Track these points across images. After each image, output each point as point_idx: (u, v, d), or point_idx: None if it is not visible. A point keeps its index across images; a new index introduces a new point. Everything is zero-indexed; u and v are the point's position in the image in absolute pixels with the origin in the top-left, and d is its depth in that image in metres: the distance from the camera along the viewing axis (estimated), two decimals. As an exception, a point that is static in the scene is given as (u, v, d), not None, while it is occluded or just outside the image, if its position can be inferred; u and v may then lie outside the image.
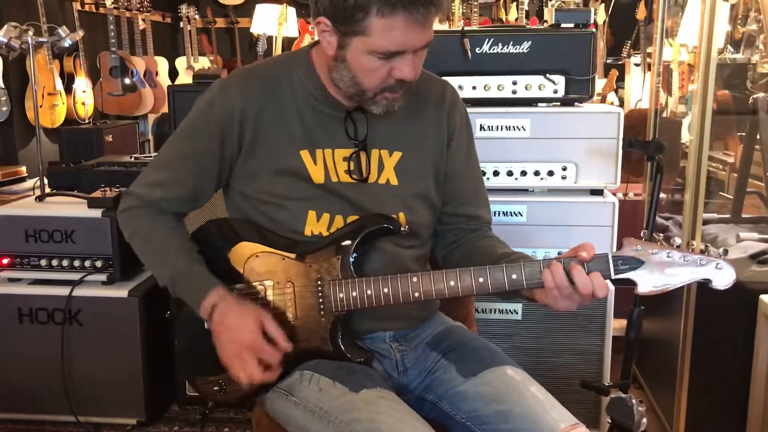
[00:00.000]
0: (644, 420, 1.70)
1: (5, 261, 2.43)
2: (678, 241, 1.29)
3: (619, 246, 1.30)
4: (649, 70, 5.16)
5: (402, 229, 1.42)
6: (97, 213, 2.38)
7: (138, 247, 1.48)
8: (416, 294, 1.35)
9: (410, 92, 1.41)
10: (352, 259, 1.39)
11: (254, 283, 1.43)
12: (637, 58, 5.65)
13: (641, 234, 1.34)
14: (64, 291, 2.39)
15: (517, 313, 2.30)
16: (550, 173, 2.24)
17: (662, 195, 2.98)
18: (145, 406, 2.45)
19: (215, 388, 1.45)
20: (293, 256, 1.42)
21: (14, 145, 5.04)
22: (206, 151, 1.44)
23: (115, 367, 2.42)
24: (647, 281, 1.27)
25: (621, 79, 5.63)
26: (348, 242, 1.40)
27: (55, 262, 2.41)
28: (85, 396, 2.44)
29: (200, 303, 1.37)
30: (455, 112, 1.55)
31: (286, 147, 1.43)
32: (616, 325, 2.31)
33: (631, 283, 1.29)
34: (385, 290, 1.36)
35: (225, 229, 1.51)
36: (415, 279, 1.35)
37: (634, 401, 1.70)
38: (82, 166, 2.87)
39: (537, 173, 2.24)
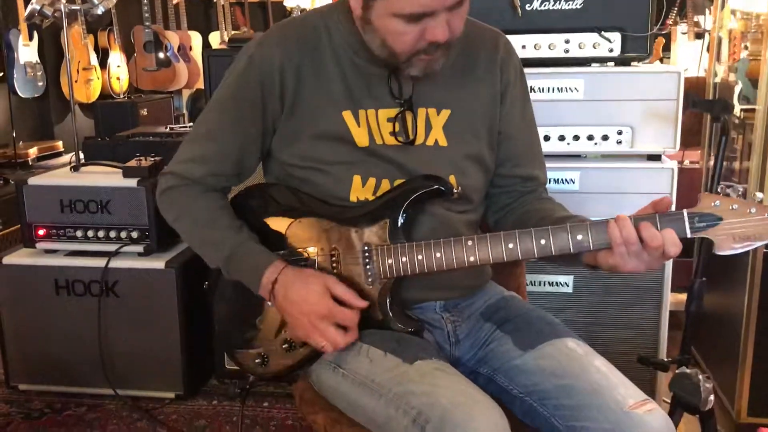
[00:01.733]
0: (711, 397, 1.59)
1: (41, 232, 2.39)
2: (760, 195, 1.17)
3: (695, 203, 1.18)
4: (696, 38, 4.96)
5: (454, 191, 1.32)
6: (132, 182, 2.32)
7: (184, 231, 1.40)
8: (471, 258, 1.26)
9: (451, 51, 1.31)
10: (401, 222, 1.30)
11: (297, 251, 1.34)
12: (683, 27, 5.44)
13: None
14: (100, 262, 2.35)
15: (568, 286, 2.20)
16: (605, 138, 2.12)
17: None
18: (183, 380, 2.40)
19: (256, 361, 1.38)
20: (338, 221, 1.33)
21: (50, 120, 5.06)
22: (248, 116, 1.35)
23: (153, 339, 2.37)
24: (726, 240, 1.15)
25: (667, 48, 5.44)
26: (397, 205, 1.30)
27: (90, 233, 2.37)
28: (122, 369, 2.41)
29: (259, 282, 1.29)
30: (509, 65, 1.43)
31: (328, 108, 1.33)
32: (671, 300, 2.19)
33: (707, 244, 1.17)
34: (437, 255, 1.27)
35: (265, 195, 1.42)
36: (470, 242, 1.25)
37: (700, 377, 1.58)
38: (117, 137, 2.83)
39: (590, 138, 2.11)
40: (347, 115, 1.33)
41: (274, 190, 1.41)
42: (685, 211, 1.17)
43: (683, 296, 2.55)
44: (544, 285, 2.20)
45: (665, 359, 1.96)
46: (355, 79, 1.34)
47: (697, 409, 1.61)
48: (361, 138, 1.33)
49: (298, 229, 1.35)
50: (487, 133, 1.41)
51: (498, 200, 1.47)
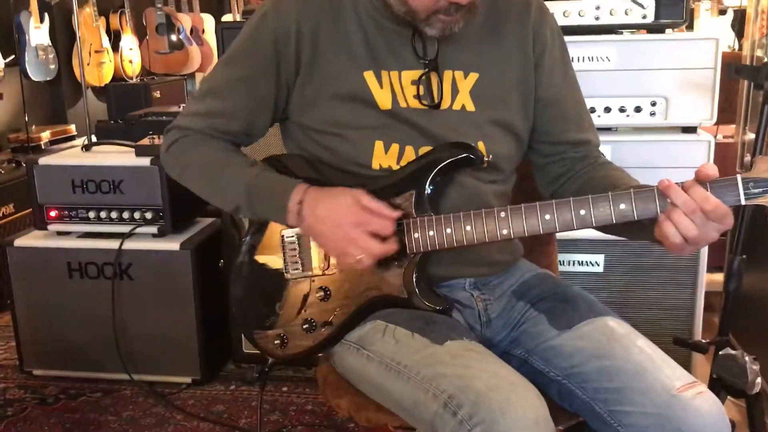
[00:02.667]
0: (758, 380, 1.50)
1: (53, 213, 2.33)
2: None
3: (749, 167, 1.09)
4: (720, 14, 4.86)
5: (485, 159, 1.23)
6: (145, 161, 2.25)
7: (194, 180, 1.30)
8: (504, 231, 1.17)
9: (474, 15, 1.22)
10: (428, 194, 1.22)
11: (317, 225, 1.26)
12: (706, 3, 5.31)
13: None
14: (113, 244, 2.29)
15: (598, 265, 2.10)
16: (637, 109, 2.02)
17: (751, 136, 2.72)
18: (200, 364, 2.34)
19: (275, 342, 1.30)
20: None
21: (63, 104, 5.00)
22: (260, 74, 1.27)
23: (169, 323, 2.31)
24: (784, 207, 1.06)
25: (690, 25, 5.31)
26: (423, 175, 1.22)
27: (103, 215, 2.30)
28: (138, 353, 2.35)
29: (286, 208, 1.20)
30: (544, 27, 1.34)
31: (348, 68, 1.25)
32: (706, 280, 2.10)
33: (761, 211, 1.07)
34: (468, 228, 1.18)
35: (283, 167, 1.34)
36: (503, 214, 1.17)
37: (747, 358, 1.49)
38: (130, 116, 2.76)
39: (622, 110, 2.02)
40: (369, 76, 1.25)
41: (292, 161, 1.33)
42: (738, 176, 1.08)
43: (716, 276, 2.47)
44: (574, 264, 2.11)
45: (704, 341, 1.86)
46: (378, 38, 1.26)
47: (743, 393, 1.52)
48: (383, 100, 1.25)
49: (317, 203, 1.27)
50: (519, 99, 1.32)
51: (550, 171, 1.38)
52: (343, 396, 1.31)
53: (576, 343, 1.20)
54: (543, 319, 1.27)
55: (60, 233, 2.37)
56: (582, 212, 1.13)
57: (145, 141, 2.31)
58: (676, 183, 1.09)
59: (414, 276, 1.22)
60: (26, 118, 4.37)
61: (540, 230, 1.15)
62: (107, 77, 5.08)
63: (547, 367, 1.23)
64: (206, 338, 2.34)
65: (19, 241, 2.36)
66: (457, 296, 1.30)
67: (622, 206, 1.11)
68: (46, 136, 4.38)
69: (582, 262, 2.11)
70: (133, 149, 2.30)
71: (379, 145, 1.25)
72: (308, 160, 1.30)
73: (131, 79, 5.26)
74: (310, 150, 1.31)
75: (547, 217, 1.15)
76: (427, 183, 1.21)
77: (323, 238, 1.20)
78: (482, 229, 1.17)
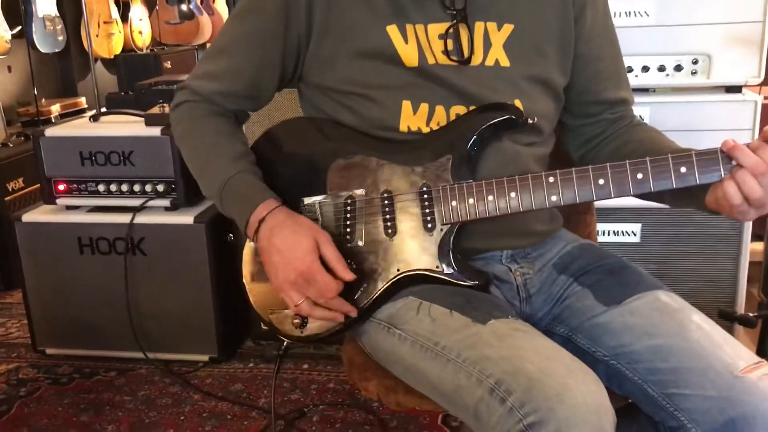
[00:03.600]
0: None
1: (61, 187, 2.24)
2: None
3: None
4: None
5: (530, 121, 1.12)
6: (155, 131, 2.15)
7: (186, 153, 1.24)
8: (553, 198, 1.06)
9: None
10: (467, 158, 1.11)
11: (341, 194, 1.16)
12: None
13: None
14: (125, 219, 2.20)
15: (635, 235, 1.99)
16: (678, 68, 1.89)
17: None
18: (217, 342, 2.26)
19: (294, 322, 1.20)
20: (390, 158, 1.14)
21: (72, 76, 4.90)
22: (267, 32, 1.17)
23: (184, 299, 2.23)
24: None
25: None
26: (463, 137, 1.11)
27: (113, 188, 2.21)
28: (152, 331, 2.27)
29: (247, 220, 1.12)
30: None
31: (369, 22, 1.14)
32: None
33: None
34: (512, 195, 1.07)
35: (302, 130, 1.24)
36: (551, 179, 1.06)
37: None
38: (139, 85, 2.65)
39: (662, 69, 1.89)
40: (392, 30, 1.13)
41: (312, 124, 1.23)
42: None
43: (755, 245, 2.35)
44: (608, 234, 2.00)
45: (750, 314, 1.75)
46: None
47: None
48: (409, 56, 1.13)
49: (341, 170, 1.16)
50: (557, 53, 1.21)
51: (583, 132, 1.27)
52: (371, 378, 1.22)
53: (625, 320, 1.10)
54: (588, 294, 1.16)
55: (69, 207, 2.28)
56: (639, 176, 1.02)
57: (155, 110, 2.21)
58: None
59: (449, 249, 1.12)
60: (35, 91, 4.29)
61: (593, 197, 1.05)
62: (117, 48, 4.98)
63: (593, 346, 1.13)
64: (223, 314, 2.26)
65: (28, 216, 2.27)
66: (493, 270, 1.19)
67: (683, 169, 1.01)
68: (56, 109, 4.30)
69: (617, 232, 2.00)
70: (143, 119, 2.19)
71: (406, 105, 1.14)
72: (333, 124, 1.20)
73: (141, 50, 5.15)
74: (330, 113, 1.20)
75: (601, 182, 1.04)
76: (468, 146, 1.10)
77: (270, 266, 1.11)
78: (528, 196, 1.07)
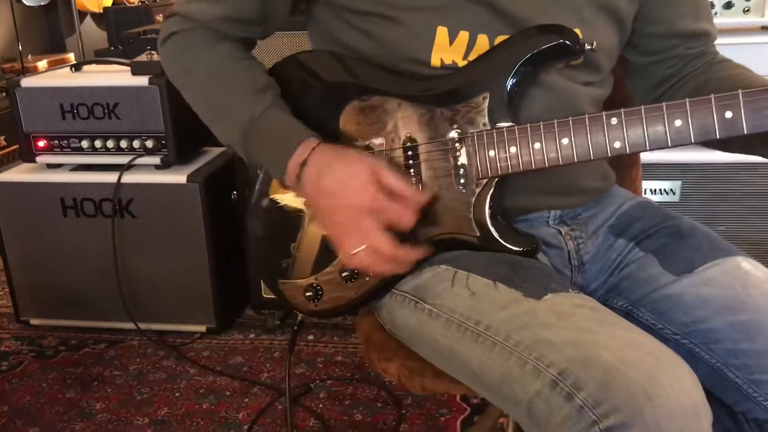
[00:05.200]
0: None
1: (41, 143, 2.04)
2: None
3: None
4: None
5: (586, 46, 0.91)
6: (143, 81, 1.95)
7: (190, 94, 1.01)
8: (616, 145, 0.87)
9: None
10: (508, 96, 0.91)
11: (355, 145, 0.96)
12: None
13: None
14: (111, 178, 2.01)
15: (674, 194, 1.81)
16: (728, 5, 1.67)
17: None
18: (214, 311, 2.10)
19: (307, 294, 1.02)
20: (415, 98, 0.94)
21: (60, 31, 4.68)
22: None
23: (178, 265, 2.06)
24: None
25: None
26: (502, 70, 0.91)
27: (98, 143, 2.02)
28: (144, 300, 2.10)
29: (284, 164, 0.91)
30: None
31: None
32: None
33: None
34: (565, 141, 0.88)
35: (310, 67, 1.03)
36: (614, 120, 0.86)
37: None
38: (127, 34, 2.44)
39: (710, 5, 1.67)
40: None
41: (322, 60, 1.02)
42: None
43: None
44: (643, 192, 1.81)
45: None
46: None
47: None
48: None
49: (357, 113, 0.96)
50: None
51: (653, 73, 1.07)
52: (393, 359, 1.05)
53: (700, 291, 0.92)
54: (653, 261, 0.98)
55: (50, 166, 2.09)
56: (728, 115, 0.82)
57: (143, 57, 1.99)
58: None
59: (488, 208, 0.93)
60: (20, 47, 4.08)
61: (668, 142, 0.85)
62: (107, 1, 4.74)
63: (659, 322, 0.95)
64: (221, 281, 2.09)
65: (5, 176, 2.08)
66: (539, 233, 1.00)
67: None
68: (42, 65, 4.09)
69: (654, 190, 1.81)
70: (129, 67, 1.98)
71: (442, 32, 0.93)
72: (348, 60, 0.99)
73: (132, 2, 4.90)
74: (345, 40, 0.99)
75: (678, 123, 0.84)
76: (509, 81, 0.90)
77: (322, 216, 0.92)
78: (586, 142, 0.87)
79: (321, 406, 1.78)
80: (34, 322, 2.20)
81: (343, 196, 0.88)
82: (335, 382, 1.88)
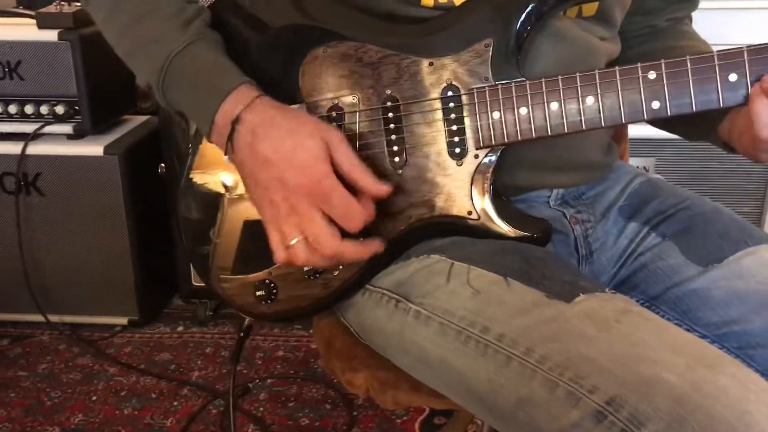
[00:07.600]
0: None
1: (-72, 107, 1.75)
2: None
3: None
4: None
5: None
6: (51, 35, 1.70)
7: (114, 30, 0.79)
8: (654, 105, 0.70)
9: None
10: (515, 43, 0.73)
11: (321, 103, 0.77)
12: None
13: None
14: (14, 149, 1.76)
15: (647, 172, 1.68)
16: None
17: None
18: (137, 301, 1.89)
19: (258, 293, 0.81)
20: (397, 46, 0.75)
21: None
22: None
23: (94, 249, 1.83)
24: None
25: None
26: (507, 12, 0.73)
27: (-1, 109, 1.75)
28: (55, 289, 1.87)
29: (211, 117, 0.71)
30: None
31: None
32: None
33: None
34: (589, 101, 0.71)
35: (257, 6, 0.82)
36: (653, 74, 0.69)
37: None
38: (34, -16, 2.13)
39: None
40: None
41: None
42: None
43: None
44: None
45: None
46: None
47: None
48: None
49: (323, 65, 0.76)
50: None
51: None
52: (360, 369, 0.88)
53: (733, 285, 0.79)
54: (673, 249, 0.83)
55: (-59, 134, 1.81)
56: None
57: (51, 8, 1.73)
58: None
59: (488, 185, 0.75)
60: None
61: (720, 102, 0.68)
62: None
63: (683, 322, 0.81)
64: (144, 268, 1.87)
65: None
66: (541, 215, 0.83)
67: None
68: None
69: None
70: (34, 19, 1.72)
71: None
72: None
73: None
74: None
75: (733, 78, 0.67)
76: (516, 26, 0.72)
77: (253, 190, 0.72)
78: (617, 101, 0.70)
79: (261, 408, 1.60)
80: None
81: (282, 169, 0.69)
82: (277, 381, 1.69)
